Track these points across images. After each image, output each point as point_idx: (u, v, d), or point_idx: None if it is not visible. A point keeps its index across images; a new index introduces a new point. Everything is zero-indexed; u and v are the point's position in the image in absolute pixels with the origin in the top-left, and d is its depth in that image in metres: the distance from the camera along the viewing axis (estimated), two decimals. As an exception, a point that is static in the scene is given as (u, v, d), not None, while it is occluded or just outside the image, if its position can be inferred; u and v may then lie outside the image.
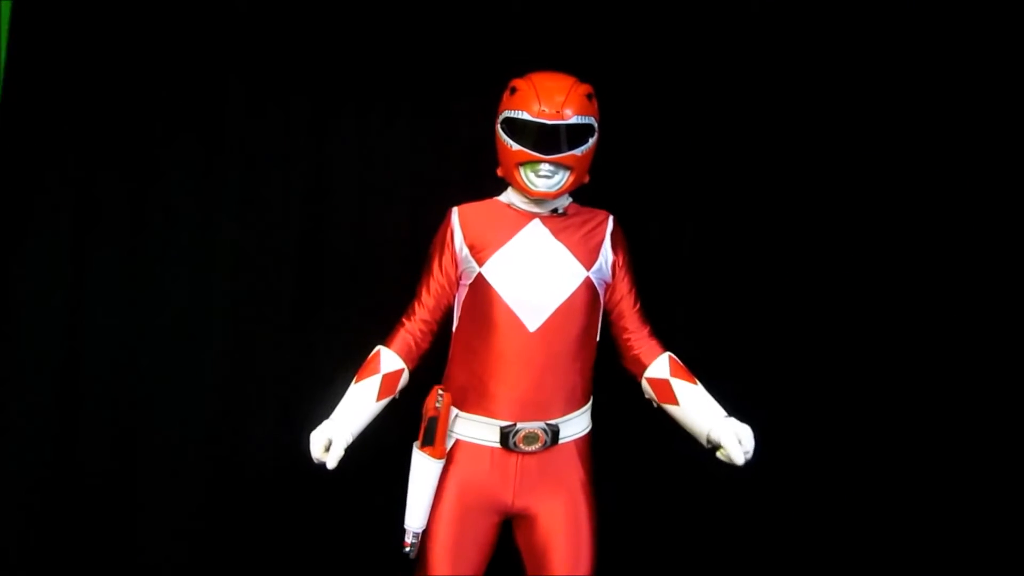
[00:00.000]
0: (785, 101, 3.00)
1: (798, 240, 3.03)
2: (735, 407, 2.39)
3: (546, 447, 2.40)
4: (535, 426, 2.38)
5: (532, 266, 2.40)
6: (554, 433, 2.40)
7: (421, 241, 2.58)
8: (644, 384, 2.48)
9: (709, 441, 2.35)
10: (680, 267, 3.06)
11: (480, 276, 2.40)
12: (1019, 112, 2.97)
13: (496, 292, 2.38)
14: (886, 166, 3.01)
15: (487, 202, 2.49)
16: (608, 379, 2.56)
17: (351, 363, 2.45)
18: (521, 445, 2.38)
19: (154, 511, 2.99)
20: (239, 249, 2.99)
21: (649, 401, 2.50)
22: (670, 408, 2.44)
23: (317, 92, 2.99)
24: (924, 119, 2.99)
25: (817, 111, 3.00)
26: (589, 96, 2.37)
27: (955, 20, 2.96)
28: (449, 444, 2.42)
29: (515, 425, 2.37)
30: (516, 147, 2.33)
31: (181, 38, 2.95)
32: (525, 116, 2.31)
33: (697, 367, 2.51)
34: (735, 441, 2.28)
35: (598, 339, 2.51)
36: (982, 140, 2.98)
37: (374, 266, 3.00)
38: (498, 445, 2.39)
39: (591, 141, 2.37)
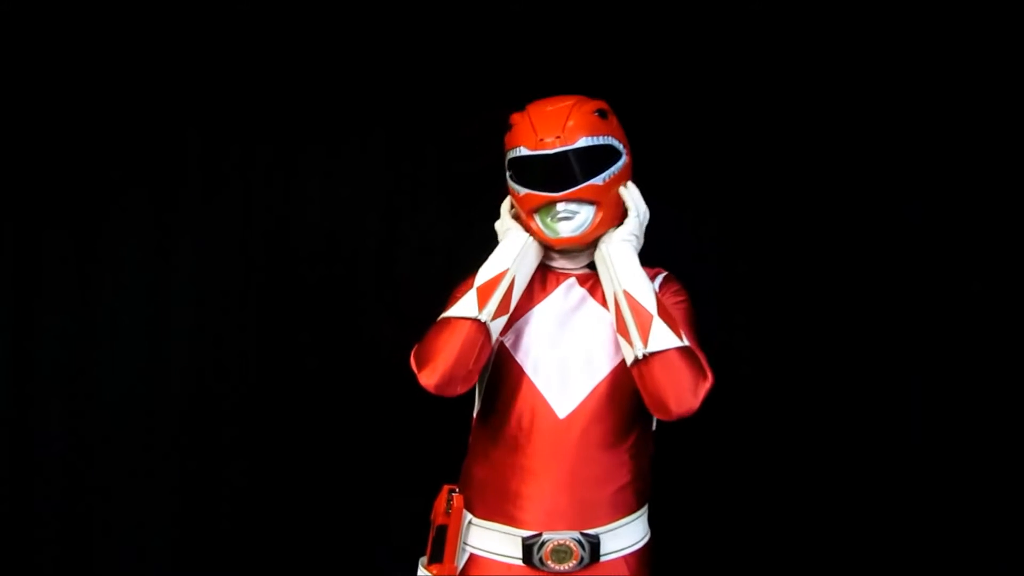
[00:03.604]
0: (785, 101, 2.92)
1: (799, 240, 2.95)
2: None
3: (583, 566, 1.85)
4: (566, 537, 1.84)
5: (564, 335, 1.91)
6: (593, 547, 1.85)
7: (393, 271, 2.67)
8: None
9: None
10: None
11: (501, 346, 1.92)
12: (1019, 112, 2.86)
13: (519, 367, 1.90)
14: (885, 165, 2.91)
15: None
16: (672, 475, 2.03)
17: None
18: (549, 562, 1.84)
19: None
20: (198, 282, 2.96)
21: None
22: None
23: (279, 129, 2.94)
24: (925, 119, 2.89)
25: (817, 111, 2.92)
26: (601, 113, 1.88)
27: (956, 19, 2.86)
28: (462, 560, 1.90)
29: (540, 536, 1.85)
30: (524, 191, 1.87)
31: (138, 64, 2.89)
32: (524, 152, 1.85)
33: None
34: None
35: (654, 427, 2.00)
36: (982, 140, 2.88)
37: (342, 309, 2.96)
38: (520, 562, 1.86)
39: (617, 166, 1.88)
